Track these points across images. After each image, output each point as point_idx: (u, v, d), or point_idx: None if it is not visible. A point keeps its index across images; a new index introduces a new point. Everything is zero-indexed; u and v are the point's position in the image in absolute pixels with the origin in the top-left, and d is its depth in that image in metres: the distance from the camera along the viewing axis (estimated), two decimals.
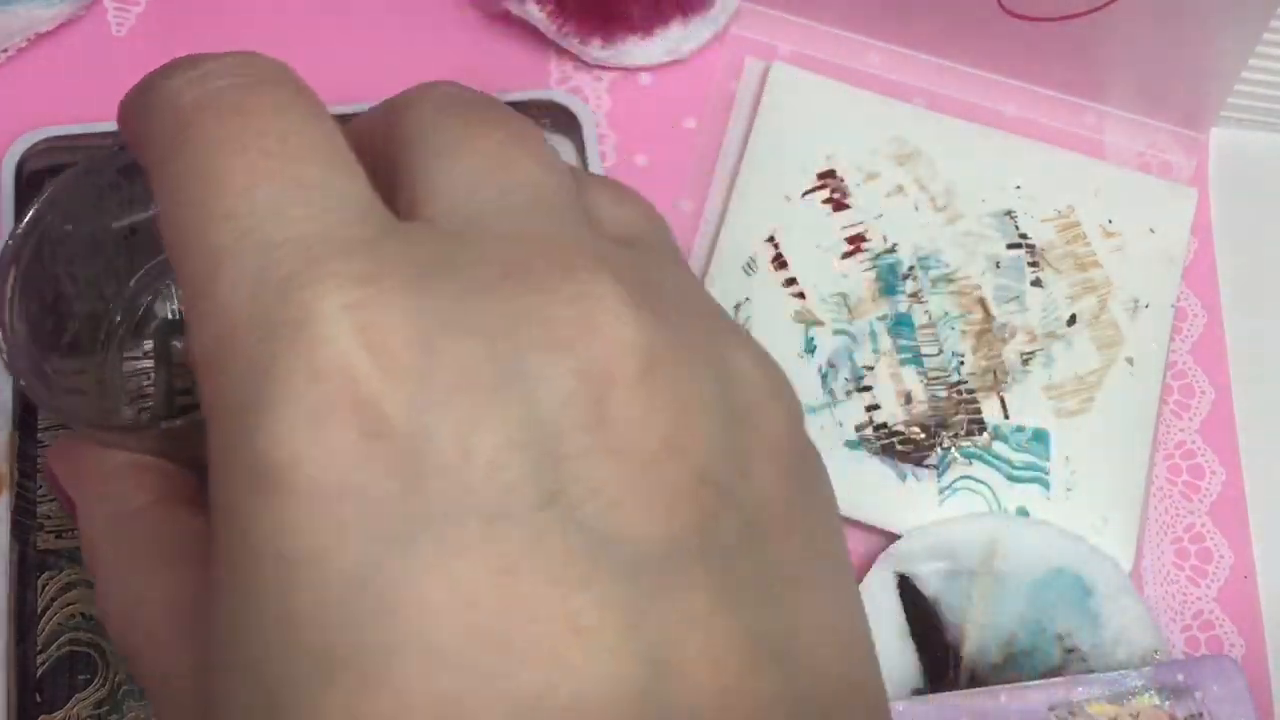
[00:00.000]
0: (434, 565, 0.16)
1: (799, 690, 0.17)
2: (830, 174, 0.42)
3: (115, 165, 0.30)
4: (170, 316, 0.34)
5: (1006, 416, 0.40)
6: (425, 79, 0.23)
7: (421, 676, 0.15)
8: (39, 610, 0.33)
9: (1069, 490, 0.39)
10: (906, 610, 0.37)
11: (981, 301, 0.41)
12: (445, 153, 0.20)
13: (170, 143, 0.19)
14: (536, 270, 0.18)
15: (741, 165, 0.42)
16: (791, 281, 0.41)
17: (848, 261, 0.41)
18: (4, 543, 0.33)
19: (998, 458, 0.39)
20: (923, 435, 0.39)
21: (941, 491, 0.39)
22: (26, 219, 0.29)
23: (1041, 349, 0.40)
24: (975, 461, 0.39)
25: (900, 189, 0.42)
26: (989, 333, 0.41)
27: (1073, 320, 0.41)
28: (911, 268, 0.41)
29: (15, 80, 0.41)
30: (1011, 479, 0.39)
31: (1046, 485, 0.39)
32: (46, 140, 0.38)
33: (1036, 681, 0.36)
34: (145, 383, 0.34)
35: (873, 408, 0.39)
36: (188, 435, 0.25)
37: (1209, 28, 0.40)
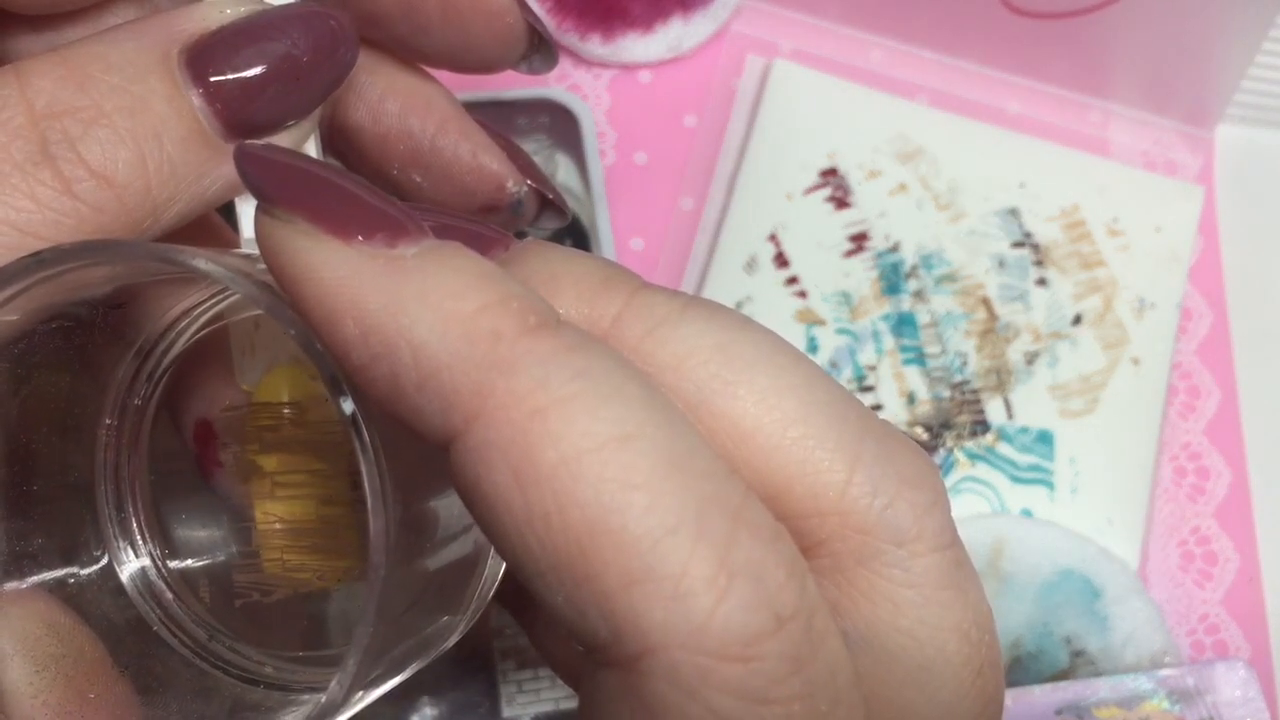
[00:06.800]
0: None
1: None
2: (832, 172, 0.41)
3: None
4: None
5: (1011, 417, 0.39)
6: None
7: None
8: None
9: (1074, 492, 0.39)
10: None
11: (985, 301, 0.40)
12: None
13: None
14: None
15: (743, 163, 0.41)
16: (793, 280, 0.40)
17: (850, 260, 0.40)
18: None
19: (1002, 458, 0.39)
20: (926, 436, 0.39)
21: None
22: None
23: (1046, 349, 0.40)
24: (979, 462, 0.39)
25: (903, 187, 0.41)
26: (993, 332, 0.40)
27: (1078, 320, 0.40)
28: (914, 266, 0.40)
29: None
30: (1016, 480, 0.39)
31: (1051, 486, 0.39)
32: None
33: (1044, 685, 0.35)
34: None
35: (876, 408, 0.39)
36: None
37: (1215, 25, 0.39)
